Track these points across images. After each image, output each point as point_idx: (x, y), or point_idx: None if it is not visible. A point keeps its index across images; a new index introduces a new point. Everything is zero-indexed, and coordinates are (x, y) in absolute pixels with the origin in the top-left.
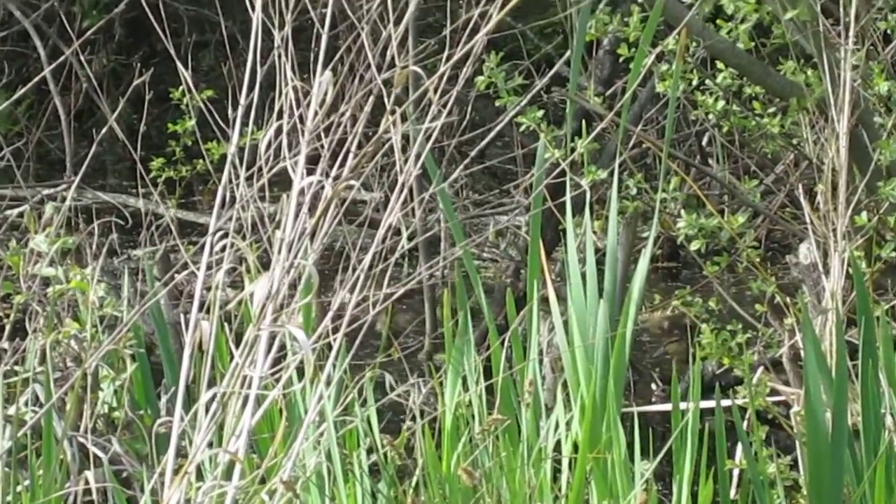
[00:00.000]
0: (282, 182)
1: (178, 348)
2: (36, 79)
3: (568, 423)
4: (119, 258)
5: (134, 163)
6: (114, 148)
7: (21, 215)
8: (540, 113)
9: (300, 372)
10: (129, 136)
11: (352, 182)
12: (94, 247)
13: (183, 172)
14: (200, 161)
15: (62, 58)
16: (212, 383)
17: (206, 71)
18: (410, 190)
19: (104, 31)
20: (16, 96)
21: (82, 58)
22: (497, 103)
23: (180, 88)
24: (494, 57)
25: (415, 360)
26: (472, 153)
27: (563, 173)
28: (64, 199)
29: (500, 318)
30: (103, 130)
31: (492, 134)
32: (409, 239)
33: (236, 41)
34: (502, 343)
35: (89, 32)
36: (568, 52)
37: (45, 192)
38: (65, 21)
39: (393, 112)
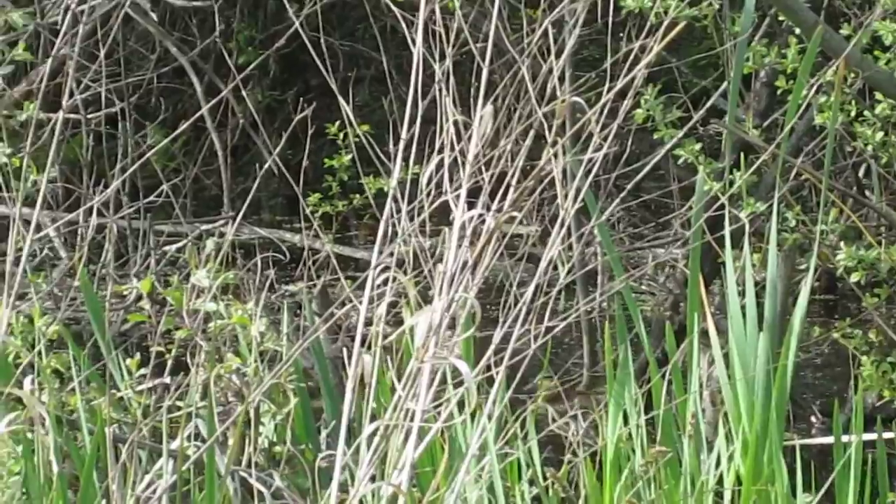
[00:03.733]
0: (437, 216)
1: (337, 383)
2: (196, 115)
3: (730, 457)
4: (276, 293)
5: (288, 198)
6: (268, 184)
7: (180, 251)
8: (697, 146)
9: (460, 406)
10: (283, 172)
11: (514, 214)
12: (253, 282)
13: (339, 207)
14: (357, 196)
15: (221, 95)
16: (372, 418)
17: (360, 106)
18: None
19: (259, 67)
20: (176, 133)
21: (243, 93)
22: (655, 136)
23: (336, 123)
24: (652, 89)
25: (573, 393)
26: (629, 186)
27: (721, 206)
28: (222, 235)
29: (658, 352)
30: (265, 166)
31: (648, 167)
32: (567, 273)
33: (391, 76)
34: (663, 376)
35: (249, 69)
36: (724, 85)
37: (204, 227)
38: (226, 55)
39: (554, 143)
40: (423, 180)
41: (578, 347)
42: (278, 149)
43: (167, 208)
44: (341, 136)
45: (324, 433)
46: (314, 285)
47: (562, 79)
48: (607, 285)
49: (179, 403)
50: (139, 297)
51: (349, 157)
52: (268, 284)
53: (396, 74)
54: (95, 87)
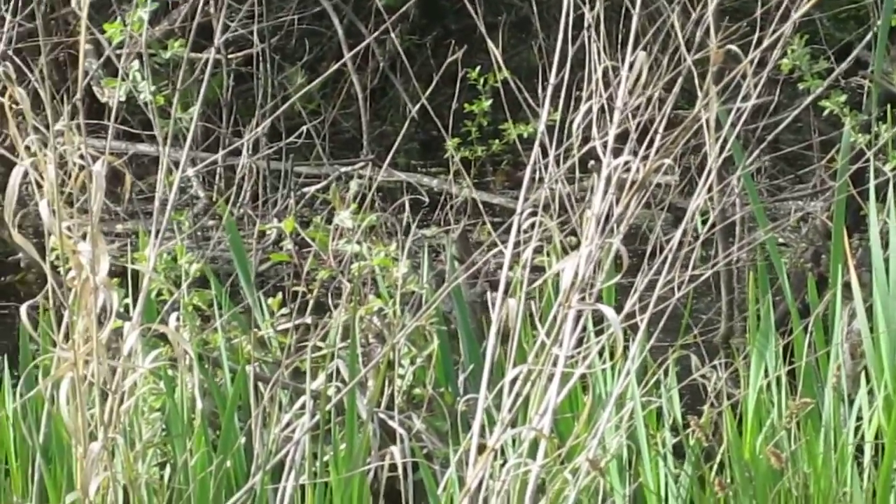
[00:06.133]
0: (580, 163)
1: (475, 327)
2: (340, 62)
3: (871, 412)
4: (413, 237)
5: (422, 143)
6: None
7: (320, 191)
8: (842, 98)
9: (600, 353)
10: (420, 117)
11: (665, 161)
12: (393, 224)
13: (478, 152)
14: (496, 141)
15: (365, 43)
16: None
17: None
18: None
19: (398, 10)
20: (323, 77)
21: (392, 35)
22: (800, 86)
23: (476, 69)
24: (800, 40)
25: (711, 344)
26: (769, 137)
27: (865, 159)
28: (361, 177)
29: (798, 303)
30: (412, 112)
31: (790, 118)
32: (707, 222)
33: (530, 22)
34: (804, 328)
35: (396, 16)
36: (868, 36)
37: (343, 169)
38: None
39: (707, 92)
40: (575, 126)
41: (712, 300)
42: (427, 94)
43: (303, 150)
44: (481, 81)
45: (461, 377)
46: (452, 229)
47: (713, 28)
48: (750, 236)
49: (320, 344)
50: (279, 238)
51: (489, 102)
52: (407, 228)
53: (537, 20)
54: (236, 28)
